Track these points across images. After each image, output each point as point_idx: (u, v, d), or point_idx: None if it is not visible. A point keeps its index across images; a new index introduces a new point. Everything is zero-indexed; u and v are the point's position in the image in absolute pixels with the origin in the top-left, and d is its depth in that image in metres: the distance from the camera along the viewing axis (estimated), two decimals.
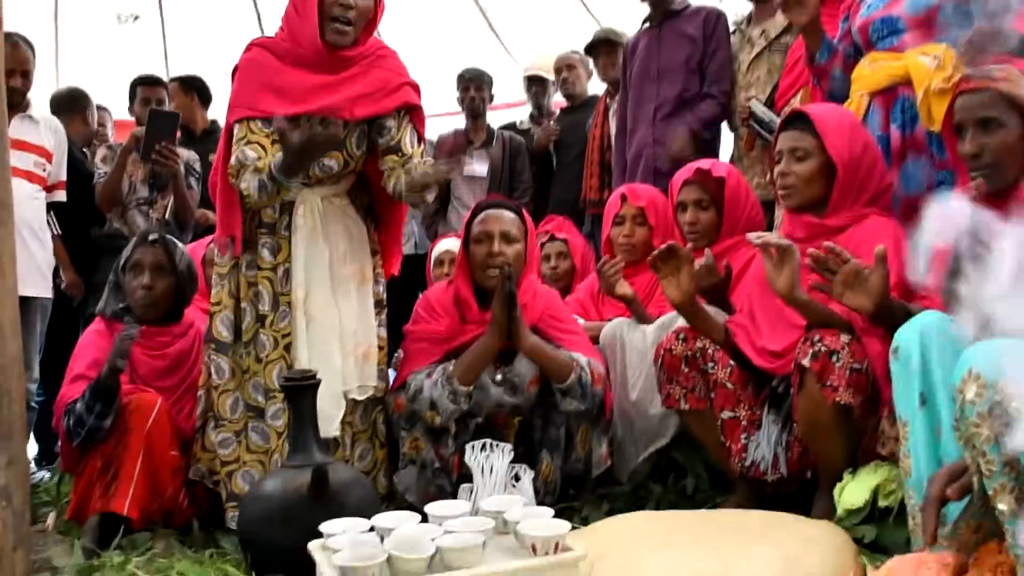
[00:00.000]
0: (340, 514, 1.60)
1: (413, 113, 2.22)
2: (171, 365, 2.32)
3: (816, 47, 2.43)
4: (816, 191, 2.08)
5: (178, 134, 3.34)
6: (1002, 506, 1.20)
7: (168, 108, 3.61)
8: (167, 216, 3.38)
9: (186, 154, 3.42)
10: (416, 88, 2.23)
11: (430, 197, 2.15)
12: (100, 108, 4.22)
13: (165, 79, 4.04)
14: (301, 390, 1.80)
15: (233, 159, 2.09)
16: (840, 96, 2.39)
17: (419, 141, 2.23)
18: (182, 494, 2.21)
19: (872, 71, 2.28)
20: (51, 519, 2.29)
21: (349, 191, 2.25)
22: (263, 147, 2.09)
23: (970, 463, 1.25)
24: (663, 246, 2.12)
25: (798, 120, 2.12)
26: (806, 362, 1.84)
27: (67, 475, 2.52)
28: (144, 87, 3.70)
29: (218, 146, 2.22)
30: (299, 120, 2.06)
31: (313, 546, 1.55)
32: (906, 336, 1.54)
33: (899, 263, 1.97)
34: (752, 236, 1.93)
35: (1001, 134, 1.73)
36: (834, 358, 1.82)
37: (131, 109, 3.76)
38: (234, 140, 2.12)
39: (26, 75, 3.17)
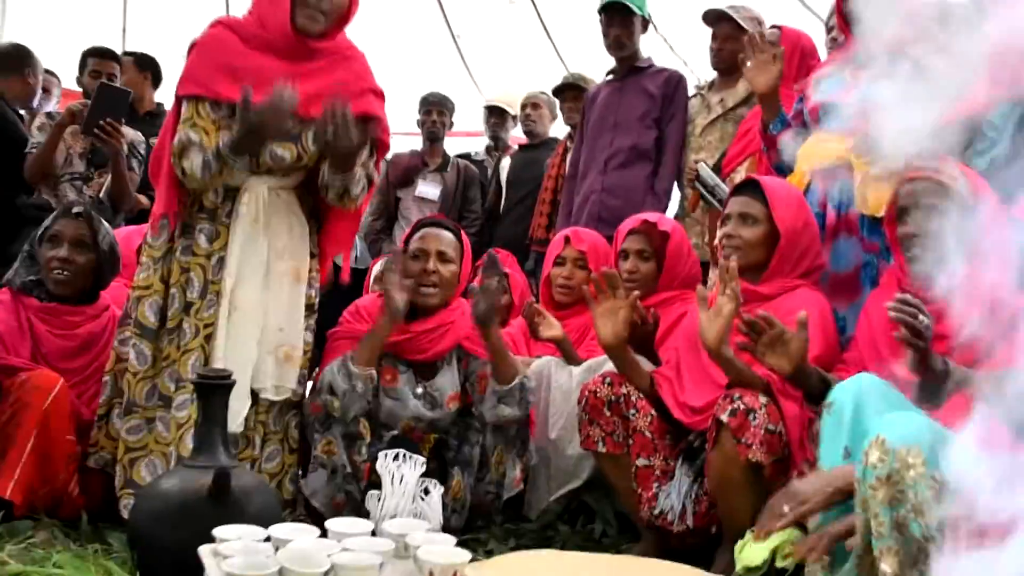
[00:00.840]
0: (239, 520, 1.55)
1: (373, 123, 2.18)
2: (79, 346, 2.22)
3: (771, 117, 2.53)
4: (757, 256, 2.15)
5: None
6: (885, 567, 1.27)
7: (119, 84, 3.49)
8: (102, 195, 3.26)
9: (131, 134, 3.31)
10: (380, 95, 2.21)
11: (358, 177, 2.12)
12: (48, 72, 4.03)
13: (120, 53, 3.93)
14: (214, 388, 1.75)
15: (176, 139, 2.04)
16: (786, 170, 2.49)
17: (374, 150, 2.21)
18: (73, 482, 2.09)
19: (817, 150, 2.38)
20: None
21: (297, 187, 2.21)
22: (207, 133, 2.04)
23: (859, 525, 1.31)
24: (604, 269, 2.16)
25: (751, 187, 2.20)
26: (724, 417, 1.88)
27: None
28: (96, 59, 3.59)
29: (165, 120, 2.15)
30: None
31: (204, 550, 1.49)
32: (842, 392, 1.61)
33: (823, 335, 2.06)
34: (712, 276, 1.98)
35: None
36: (751, 416, 1.86)
37: (79, 80, 3.63)
38: (181, 119, 2.06)
39: None
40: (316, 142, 2.05)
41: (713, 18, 3.35)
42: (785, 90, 2.66)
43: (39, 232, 2.25)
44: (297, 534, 1.50)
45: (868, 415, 1.53)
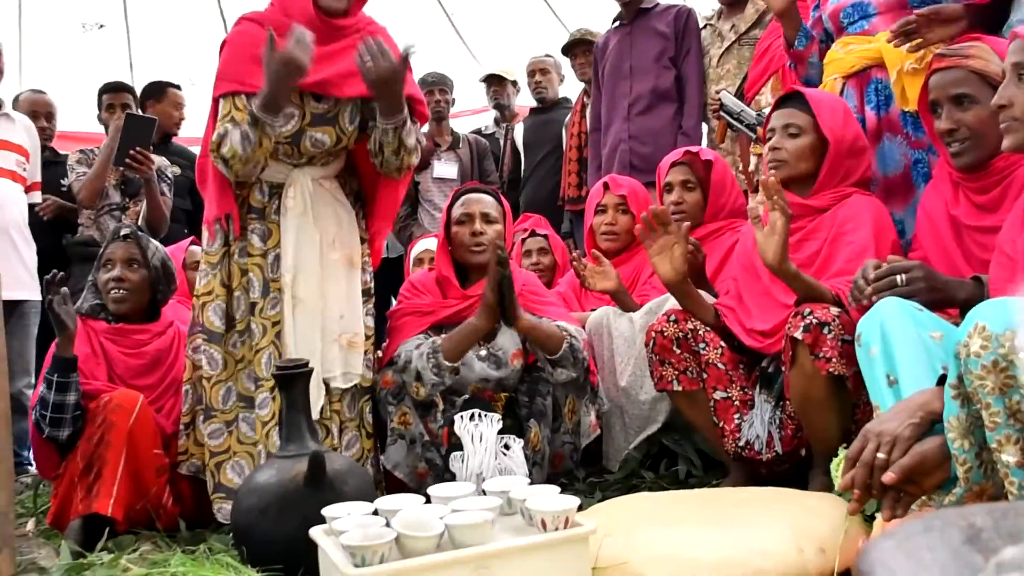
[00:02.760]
0: (338, 502, 1.56)
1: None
2: (149, 363, 2.25)
3: (793, 34, 2.48)
4: (805, 167, 2.11)
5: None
6: (1007, 457, 1.21)
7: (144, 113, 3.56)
8: (139, 223, 3.30)
9: (159, 160, 3.36)
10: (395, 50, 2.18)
11: (405, 118, 2.08)
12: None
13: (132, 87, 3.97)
14: (293, 378, 1.76)
15: (215, 134, 2.04)
16: (815, 83, 2.44)
17: (414, 117, 2.19)
18: (166, 493, 2.14)
19: (845, 55, 2.33)
20: (31, 525, 2.20)
21: (339, 175, 2.21)
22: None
23: (957, 431, 1.23)
24: (652, 207, 2.12)
25: (793, 99, 2.15)
26: (798, 335, 1.85)
27: (44, 483, 2.43)
28: (110, 93, 3.64)
29: (206, 125, 2.16)
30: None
31: (316, 531, 1.51)
32: (867, 323, 1.57)
33: (884, 242, 2.02)
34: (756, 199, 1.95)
35: (975, 109, 1.77)
36: (825, 330, 1.83)
37: (99, 117, 3.69)
38: (219, 116, 2.07)
39: None
40: (365, 76, 2.00)
41: None
42: (800, 2, 2.60)
43: (97, 261, 2.30)
44: (404, 503, 1.51)
45: (897, 339, 1.49)
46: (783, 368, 1.98)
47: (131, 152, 3.06)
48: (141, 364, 2.24)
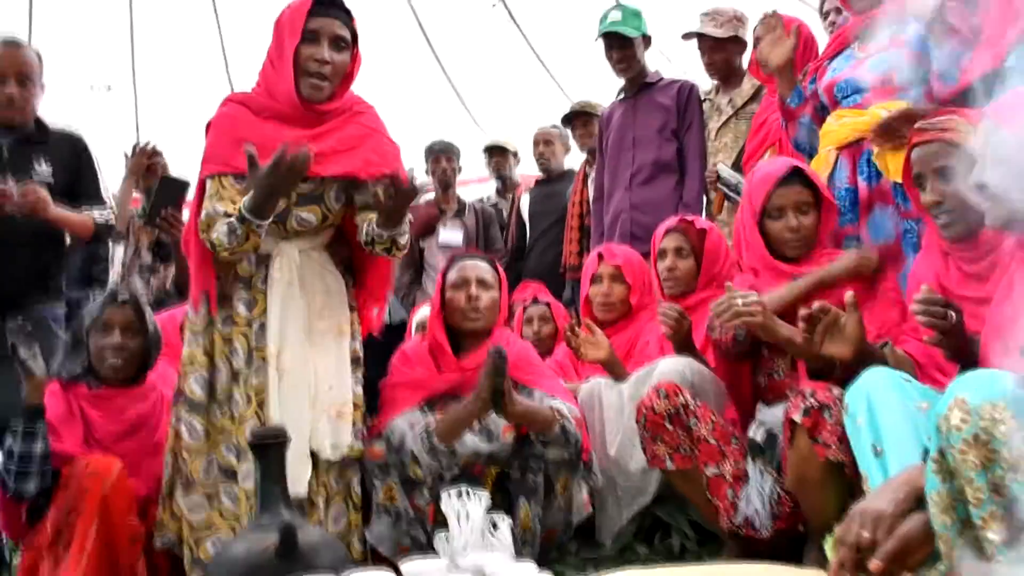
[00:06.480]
0: (311, 575, 1.52)
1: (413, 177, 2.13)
2: (130, 428, 2.21)
3: (788, 90, 2.51)
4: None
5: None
6: (992, 535, 1.17)
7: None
8: (168, 286, 3.32)
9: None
10: (395, 147, 2.21)
11: (405, 228, 2.09)
12: None
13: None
14: (269, 448, 1.73)
15: (203, 214, 2.05)
16: (804, 144, 2.47)
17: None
18: (141, 564, 2.06)
19: (839, 127, 2.37)
20: None
21: (328, 244, 2.22)
22: (232, 203, 2.05)
23: (939, 509, 1.20)
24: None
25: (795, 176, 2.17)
26: (797, 417, 1.81)
27: (16, 546, 2.38)
28: None
29: (192, 201, 2.19)
30: None
31: None
32: (853, 393, 1.55)
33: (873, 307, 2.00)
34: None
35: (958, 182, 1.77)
36: (826, 414, 1.78)
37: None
38: (206, 196, 2.09)
39: None
40: (378, 208, 2.03)
41: (693, 37, 3.37)
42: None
43: (87, 322, 2.27)
44: None
45: (881, 409, 1.48)
46: (776, 435, 1.94)
47: (163, 213, 3.08)
48: (121, 429, 2.19)
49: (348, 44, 2.11)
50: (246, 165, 1.97)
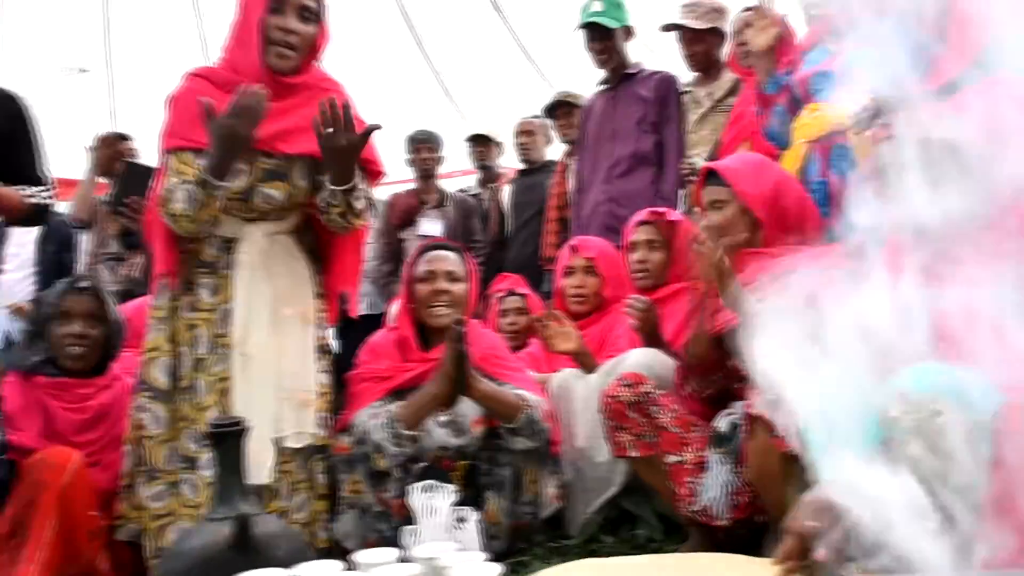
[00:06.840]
0: (267, 567, 1.50)
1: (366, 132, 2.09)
2: (92, 418, 2.18)
3: (765, 77, 2.52)
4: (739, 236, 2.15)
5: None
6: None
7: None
8: (139, 274, 3.29)
9: None
10: (361, 122, 2.13)
11: (361, 193, 2.06)
12: None
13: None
14: (226, 437, 1.71)
15: (162, 189, 2.02)
16: (777, 134, 2.46)
17: (365, 177, 2.16)
18: (102, 558, 2.04)
19: (811, 120, 2.36)
20: None
21: (294, 229, 2.19)
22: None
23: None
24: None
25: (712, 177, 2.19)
26: (756, 411, 1.81)
27: None
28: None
29: (154, 181, 2.15)
30: None
31: None
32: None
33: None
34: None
35: None
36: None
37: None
38: (167, 172, 2.06)
39: None
40: (321, 141, 1.98)
41: (673, 29, 3.36)
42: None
43: (44, 310, 2.24)
44: (321, 570, 1.46)
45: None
46: (739, 425, 1.94)
47: (126, 200, 3.04)
48: (83, 419, 2.16)
49: (315, 16, 2.08)
50: (206, 139, 1.94)
